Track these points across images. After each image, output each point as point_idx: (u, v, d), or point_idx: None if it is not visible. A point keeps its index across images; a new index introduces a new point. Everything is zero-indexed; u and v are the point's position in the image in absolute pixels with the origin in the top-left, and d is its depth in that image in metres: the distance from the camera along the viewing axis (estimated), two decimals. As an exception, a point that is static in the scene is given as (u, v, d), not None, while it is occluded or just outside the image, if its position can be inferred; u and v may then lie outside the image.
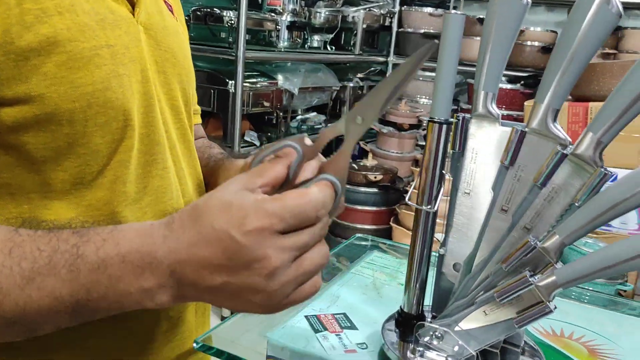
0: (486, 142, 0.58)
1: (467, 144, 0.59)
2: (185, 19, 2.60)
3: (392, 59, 3.28)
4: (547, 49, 2.85)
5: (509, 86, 2.79)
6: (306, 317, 0.68)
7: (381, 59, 3.29)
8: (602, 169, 0.50)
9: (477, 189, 0.59)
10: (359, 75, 3.28)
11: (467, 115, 0.59)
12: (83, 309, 0.46)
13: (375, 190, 2.59)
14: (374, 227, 2.59)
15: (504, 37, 0.55)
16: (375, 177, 2.58)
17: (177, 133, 0.66)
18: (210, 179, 0.76)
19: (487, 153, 0.59)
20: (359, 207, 2.59)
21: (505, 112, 2.73)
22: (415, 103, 3.09)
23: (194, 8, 2.39)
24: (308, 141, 0.47)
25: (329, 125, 0.45)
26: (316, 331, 0.65)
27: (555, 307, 0.52)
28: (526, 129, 0.55)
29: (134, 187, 0.58)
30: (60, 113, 0.51)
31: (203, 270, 0.43)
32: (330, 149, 0.63)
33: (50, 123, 0.51)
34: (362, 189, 2.59)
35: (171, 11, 0.73)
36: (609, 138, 0.50)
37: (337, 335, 0.65)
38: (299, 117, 2.91)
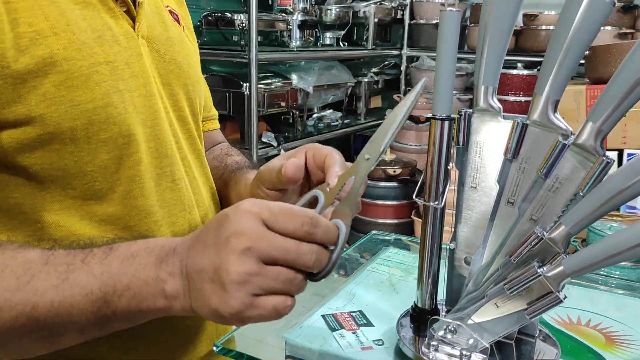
0: (489, 135, 0.59)
1: (471, 138, 0.60)
2: (197, 25, 2.60)
3: (405, 51, 3.26)
4: (562, 32, 2.82)
5: (525, 72, 2.76)
6: (323, 316, 0.69)
7: (395, 52, 3.28)
8: (604, 158, 0.50)
9: (483, 182, 0.60)
10: (374, 69, 3.28)
11: (469, 110, 0.59)
12: (106, 309, 0.49)
13: (395, 184, 2.59)
14: (395, 221, 2.60)
15: (500, 31, 0.55)
16: (395, 171, 2.58)
17: (187, 143, 0.68)
18: (223, 192, 0.77)
19: (491, 146, 0.59)
20: (380, 202, 2.59)
21: (523, 99, 2.71)
22: (432, 95, 3.08)
23: (205, 13, 2.41)
24: (333, 181, 0.56)
25: (344, 172, 0.55)
26: (333, 330, 0.66)
27: (565, 297, 0.53)
28: (527, 122, 0.55)
29: (146, 201, 0.60)
30: (62, 132, 0.53)
31: (198, 247, 0.48)
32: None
33: (53, 142, 0.53)
34: (382, 183, 2.60)
35: (177, 20, 0.74)
36: (610, 126, 0.50)
37: (353, 332, 0.66)
38: (315, 115, 2.92)
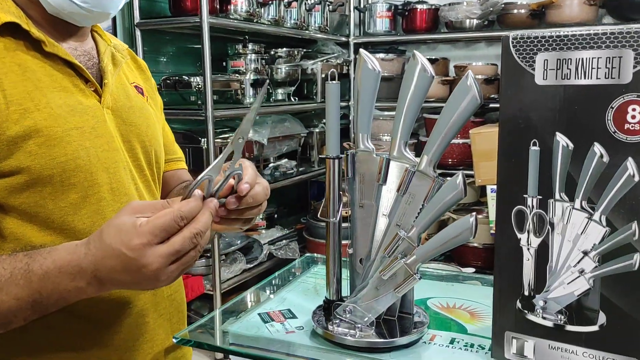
0: (368, 168, 0.82)
1: (356, 171, 0.83)
2: (157, 87, 2.83)
3: (352, 103, 3.55)
4: (489, 81, 3.14)
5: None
6: (259, 314, 0.89)
7: (343, 103, 3.57)
8: (437, 178, 0.74)
9: (366, 202, 0.83)
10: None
11: (352, 151, 0.83)
12: (39, 305, 0.69)
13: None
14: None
15: (367, 96, 0.79)
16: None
17: (143, 185, 0.90)
18: None
19: (369, 175, 0.82)
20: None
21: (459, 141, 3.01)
22: (379, 141, 3.36)
23: (164, 77, 2.65)
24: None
25: (225, 150, 0.71)
26: (265, 322, 0.87)
27: (421, 277, 0.75)
28: (389, 157, 0.79)
29: None
30: (43, 178, 0.75)
31: (113, 273, 0.66)
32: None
33: (36, 185, 0.75)
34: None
35: (141, 92, 0.97)
36: (437, 157, 0.74)
37: (281, 323, 0.87)
38: (271, 165, 3.15)
